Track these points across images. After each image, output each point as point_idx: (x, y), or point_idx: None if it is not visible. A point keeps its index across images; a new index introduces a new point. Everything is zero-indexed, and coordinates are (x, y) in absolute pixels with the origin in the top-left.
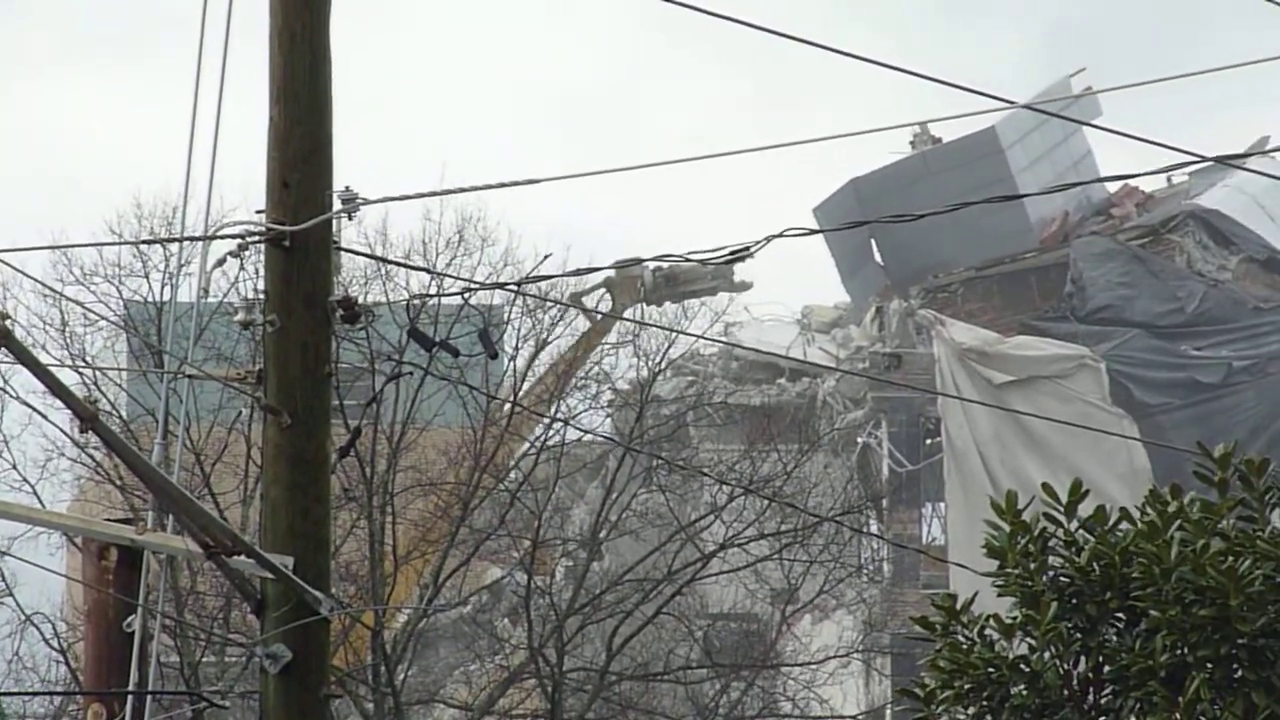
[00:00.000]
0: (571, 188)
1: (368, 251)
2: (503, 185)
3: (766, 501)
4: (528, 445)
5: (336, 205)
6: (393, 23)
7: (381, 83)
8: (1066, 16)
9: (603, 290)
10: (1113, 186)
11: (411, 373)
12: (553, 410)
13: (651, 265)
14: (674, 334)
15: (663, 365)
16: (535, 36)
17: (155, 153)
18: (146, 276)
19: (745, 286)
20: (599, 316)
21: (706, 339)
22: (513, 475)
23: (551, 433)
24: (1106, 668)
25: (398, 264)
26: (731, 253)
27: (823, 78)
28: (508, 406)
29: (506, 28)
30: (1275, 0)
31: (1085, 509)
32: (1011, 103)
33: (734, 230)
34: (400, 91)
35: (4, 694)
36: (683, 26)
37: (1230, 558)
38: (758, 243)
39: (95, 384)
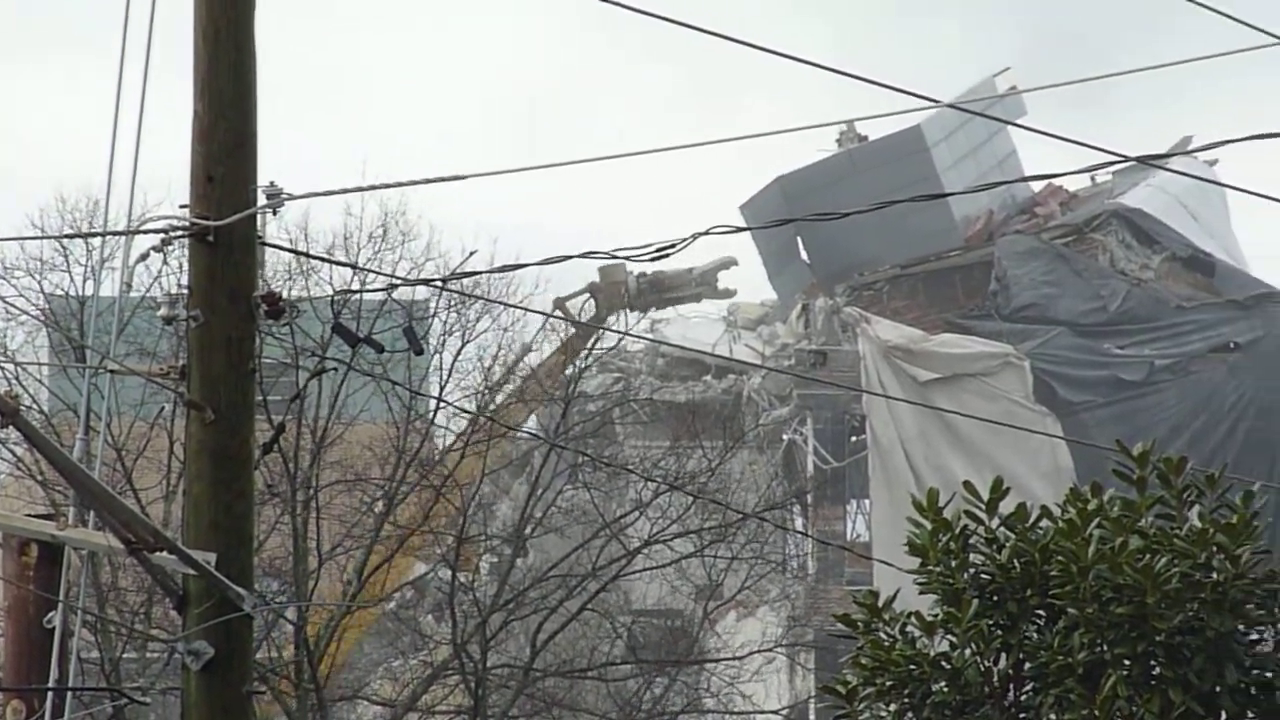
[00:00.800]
0: (501, 183)
1: (291, 246)
2: (427, 181)
3: (691, 498)
4: (453, 440)
5: (261, 200)
6: (318, 16)
7: (305, 76)
8: (1009, 14)
9: (586, 295)
10: (1037, 185)
11: (335, 368)
12: (477, 406)
13: (635, 271)
14: (600, 330)
15: (589, 362)
16: (466, 32)
17: (79, 147)
18: (69, 271)
19: (730, 294)
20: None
21: (633, 335)
22: (437, 470)
23: (477, 428)
24: (1026, 665)
25: (322, 259)
26: (658, 249)
27: (756, 74)
28: (433, 403)
29: (436, 22)
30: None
31: (1007, 506)
32: (936, 101)
33: (666, 226)
34: (325, 85)
35: None
36: (618, 23)
37: (1148, 556)
38: (684, 240)
39: (16, 379)
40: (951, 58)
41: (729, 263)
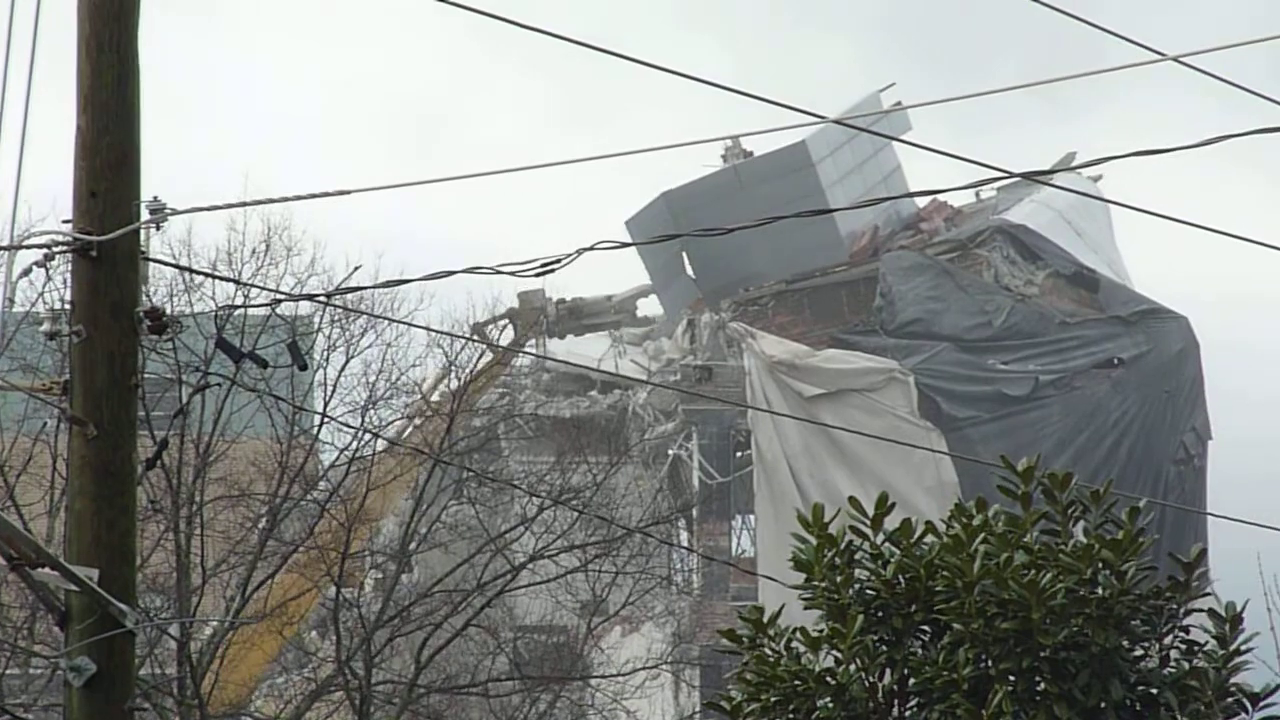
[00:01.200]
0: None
1: (175, 261)
2: (311, 196)
3: (576, 513)
4: (337, 455)
5: (144, 215)
6: (204, 29)
7: (188, 89)
8: (899, 29)
9: (505, 321)
10: (922, 201)
11: (219, 384)
12: (361, 421)
13: (555, 298)
14: (485, 346)
15: (474, 376)
16: (346, 44)
17: None
18: None
19: (648, 321)
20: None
21: (518, 350)
22: (321, 486)
23: (362, 444)
24: (911, 680)
25: (205, 274)
26: (543, 265)
27: (642, 89)
28: (317, 418)
29: (318, 34)
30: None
31: (892, 522)
32: (821, 117)
33: (552, 240)
34: (208, 98)
35: None
36: (499, 37)
37: (1033, 571)
38: (569, 255)
39: None
40: (842, 73)
41: (647, 291)
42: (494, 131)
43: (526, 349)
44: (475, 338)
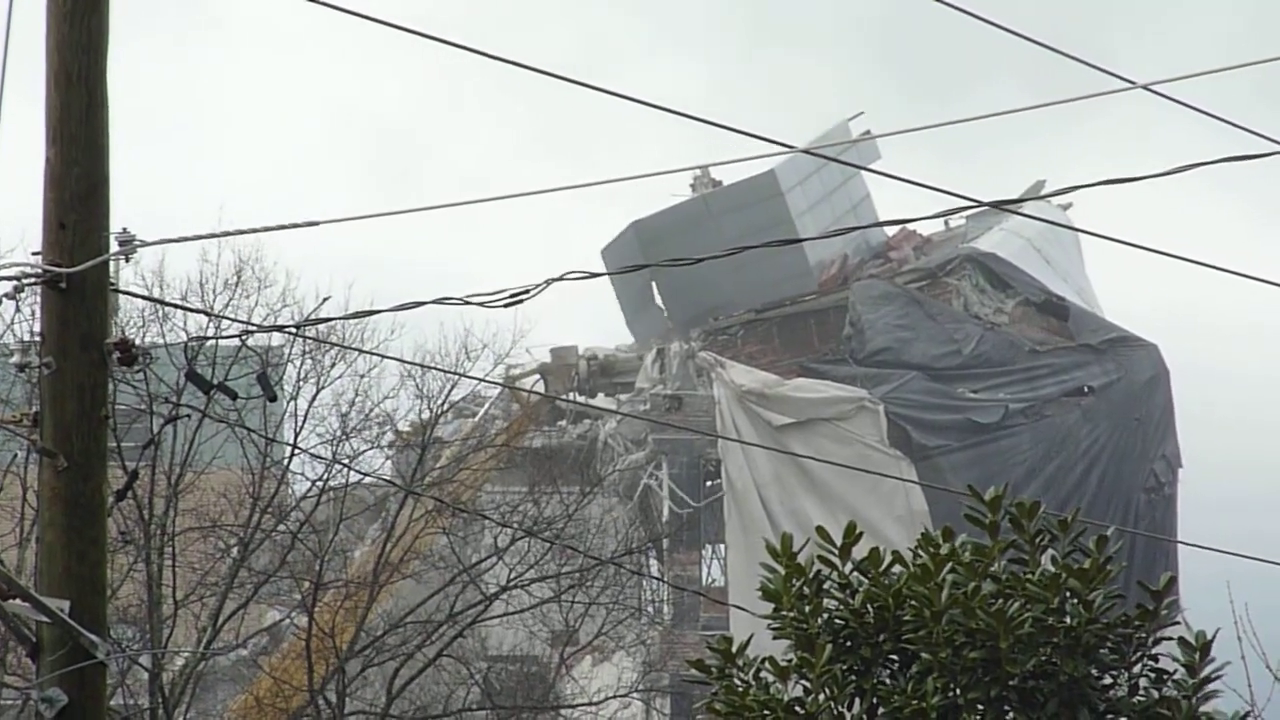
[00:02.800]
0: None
1: (145, 293)
2: (281, 228)
3: (548, 544)
4: (309, 486)
5: (114, 247)
6: (174, 58)
7: (160, 118)
8: (879, 51)
9: (537, 376)
10: (891, 230)
11: (189, 415)
12: (333, 452)
13: (586, 355)
14: (457, 376)
15: (445, 407)
16: (324, 72)
17: None
18: None
19: (660, 382)
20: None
21: (488, 381)
22: (293, 517)
23: (333, 474)
24: (880, 710)
25: (175, 305)
26: (512, 296)
27: (611, 116)
28: (288, 449)
29: (293, 63)
30: (1039, 43)
31: (861, 551)
32: (790, 147)
33: (521, 266)
34: (180, 127)
35: None
36: (478, 62)
37: (1000, 600)
38: (538, 286)
39: None
40: (820, 95)
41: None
42: (469, 157)
43: (495, 380)
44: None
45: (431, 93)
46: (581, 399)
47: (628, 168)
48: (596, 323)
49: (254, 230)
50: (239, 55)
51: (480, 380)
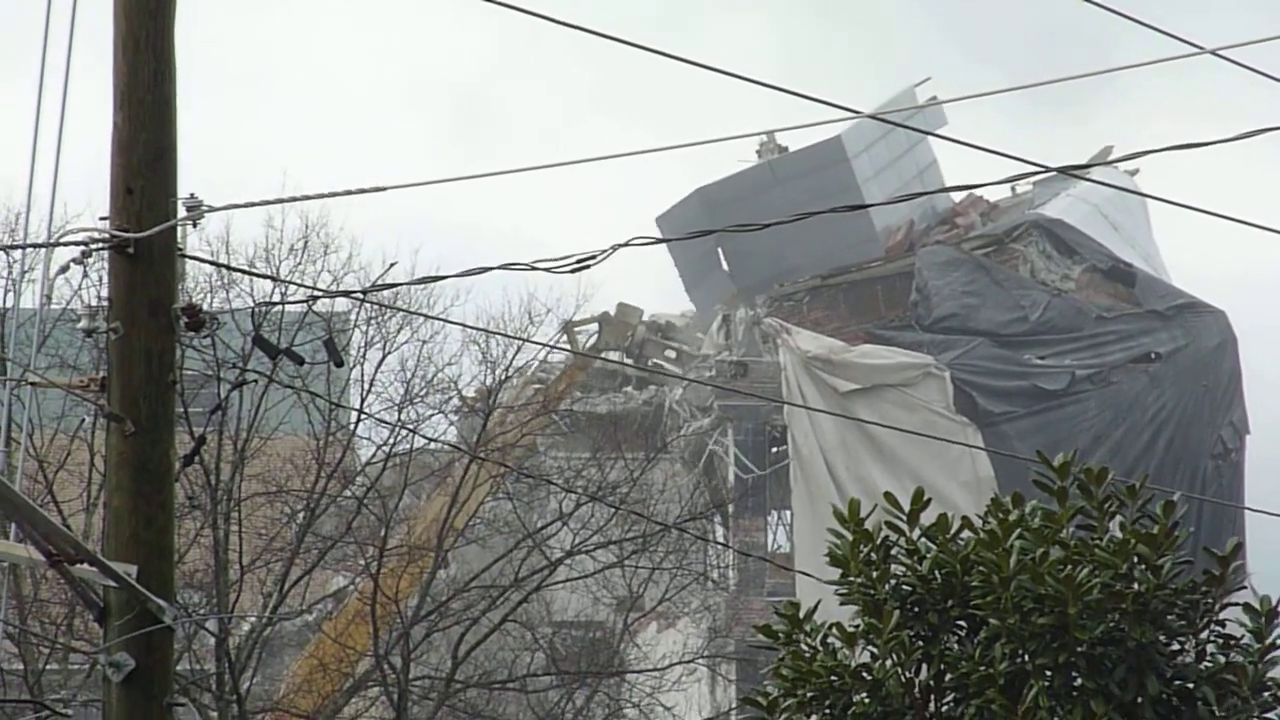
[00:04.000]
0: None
1: (212, 258)
2: (348, 193)
3: (613, 509)
4: (374, 451)
5: (181, 212)
6: (240, 22)
7: (229, 75)
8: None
9: (595, 326)
10: (957, 196)
11: (256, 380)
12: (398, 417)
13: (650, 321)
14: (521, 341)
15: (509, 372)
16: (394, 34)
17: None
18: None
19: (726, 348)
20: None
21: (554, 347)
22: (359, 482)
23: (398, 440)
24: (948, 676)
25: (242, 271)
26: (578, 261)
27: (680, 78)
28: (354, 415)
29: (364, 24)
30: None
31: (929, 517)
32: (857, 112)
33: (587, 228)
34: (249, 84)
35: None
36: (545, 25)
37: (1069, 566)
38: (604, 251)
39: None
40: (888, 62)
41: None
42: (541, 117)
43: (560, 345)
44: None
45: (503, 54)
46: (632, 361)
47: (697, 130)
48: (661, 287)
49: (321, 196)
50: (312, 17)
51: (544, 345)
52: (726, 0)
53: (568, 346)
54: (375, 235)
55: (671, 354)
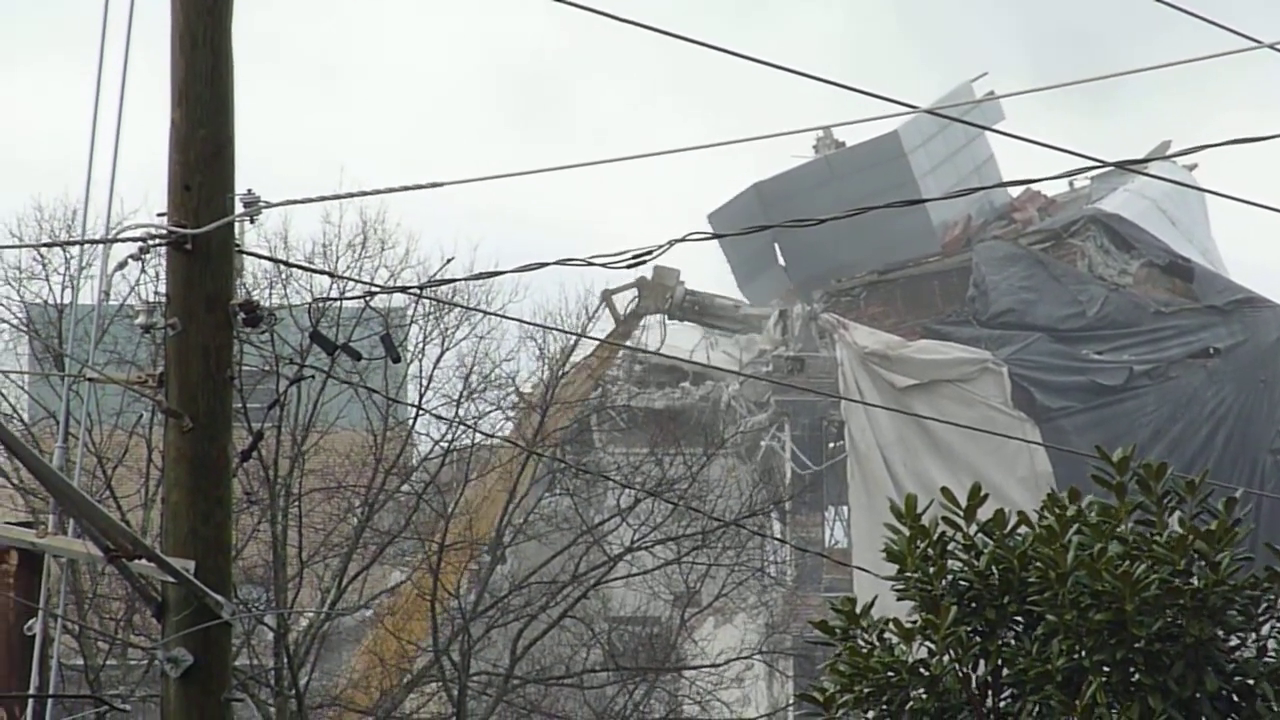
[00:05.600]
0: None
1: (270, 254)
2: (405, 189)
3: (671, 505)
4: (431, 447)
5: (238, 208)
6: (299, 13)
7: (284, 64)
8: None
9: (634, 290)
10: (1015, 191)
11: (314, 376)
12: (456, 413)
13: (686, 285)
14: (577, 337)
15: (566, 368)
16: (458, 23)
17: (56, 153)
18: (47, 279)
19: (783, 343)
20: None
21: (610, 342)
22: (417, 477)
23: (456, 436)
24: (1005, 671)
25: (299, 267)
26: (635, 257)
27: (746, 68)
28: (411, 410)
29: (416, 12)
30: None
31: (986, 512)
32: (914, 107)
33: (645, 218)
34: (305, 73)
35: None
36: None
37: (1127, 562)
38: (660, 246)
39: None
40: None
41: (771, 313)
42: (602, 103)
43: (622, 344)
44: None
45: (569, 41)
46: (673, 324)
47: (760, 117)
48: (718, 282)
49: (378, 192)
50: (373, 7)
51: (601, 341)
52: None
53: (627, 343)
54: (433, 226)
55: (748, 358)
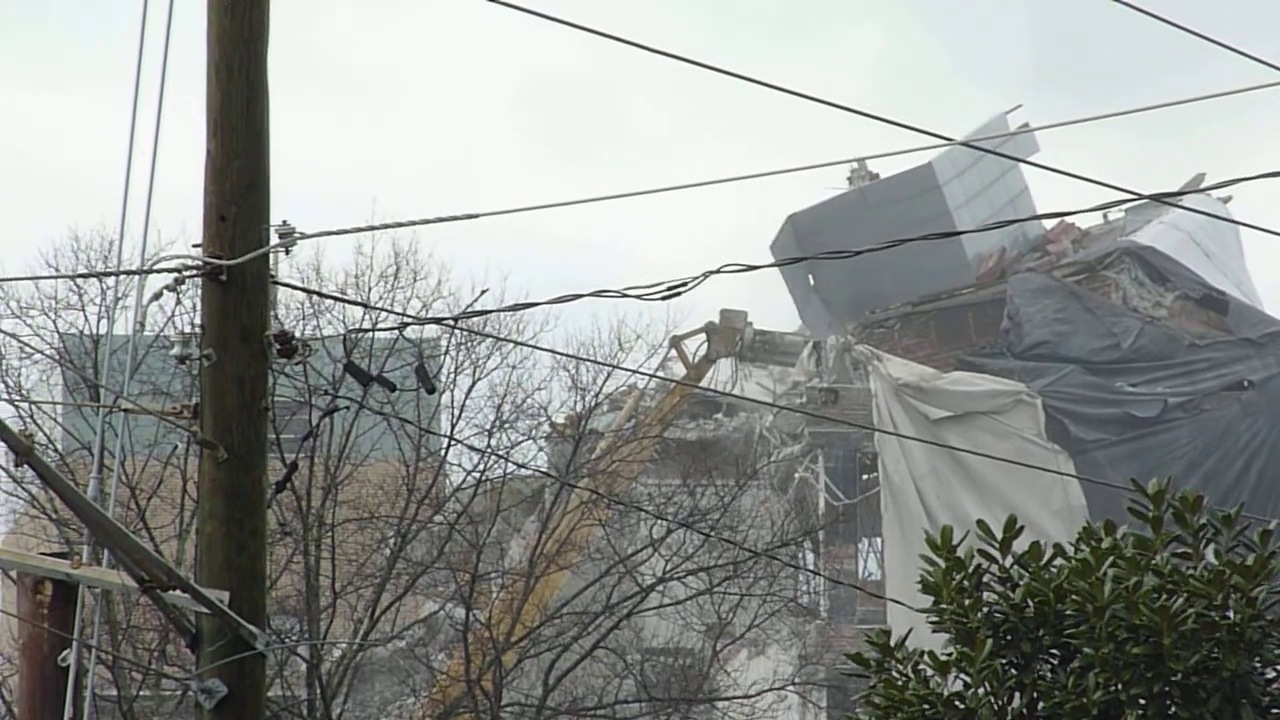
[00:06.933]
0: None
1: (304, 286)
2: (439, 220)
3: (704, 536)
4: (465, 477)
5: (274, 239)
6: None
7: (317, 84)
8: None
9: (703, 336)
10: (1049, 223)
11: (348, 407)
12: (488, 443)
13: (754, 325)
14: (610, 368)
15: (598, 399)
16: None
17: (93, 181)
18: (83, 310)
19: (816, 375)
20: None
21: (643, 373)
22: (449, 508)
23: (489, 466)
24: (1041, 705)
25: (334, 298)
26: (669, 288)
27: (768, 102)
28: (444, 440)
29: (453, 32)
30: (1213, 41)
31: (1021, 545)
32: (949, 139)
33: (679, 244)
34: (334, 107)
35: None
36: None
37: (1163, 595)
38: (695, 279)
39: (31, 417)
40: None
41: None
42: (640, 127)
43: (649, 371)
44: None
45: (601, 66)
46: (743, 365)
47: (798, 139)
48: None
49: (412, 223)
50: (405, 27)
51: (633, 372)
52: (848, 4)
53: (654, 370)
54: (466, 249)
55: (781, 389)
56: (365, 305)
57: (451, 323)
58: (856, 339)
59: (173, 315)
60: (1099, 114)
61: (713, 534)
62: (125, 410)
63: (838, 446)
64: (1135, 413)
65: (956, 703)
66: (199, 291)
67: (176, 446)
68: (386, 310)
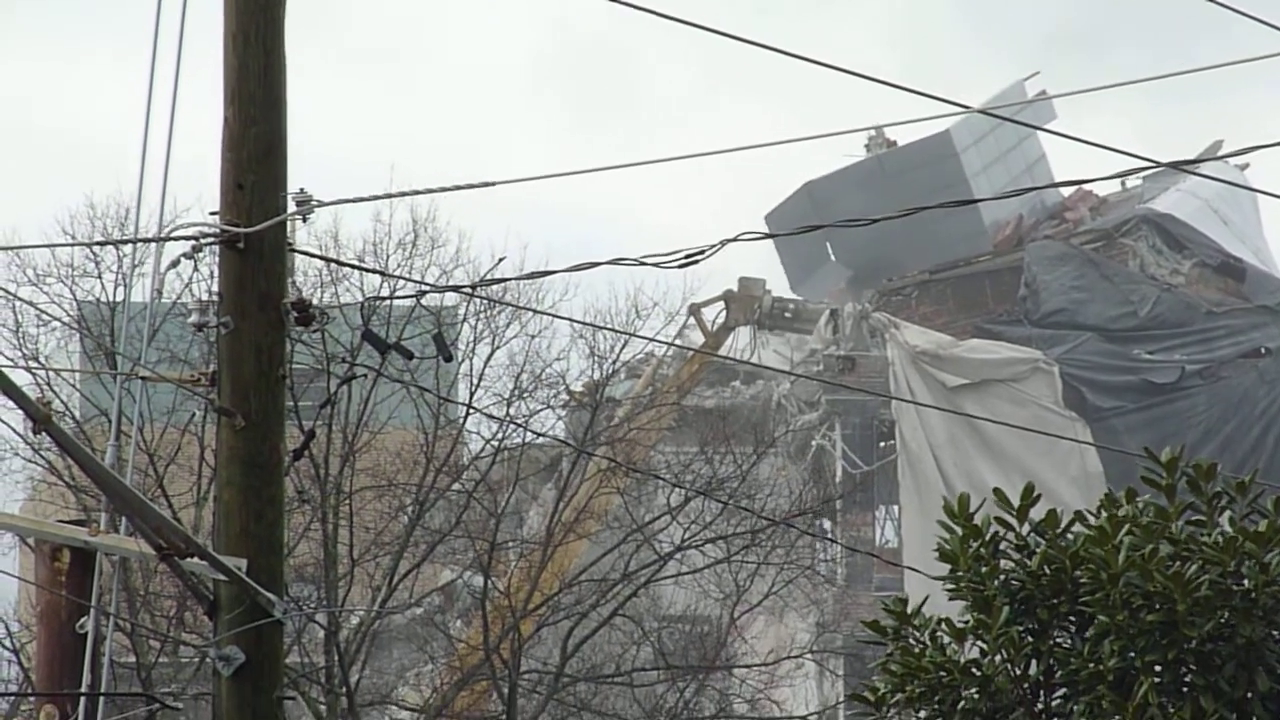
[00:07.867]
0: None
1: (321, 253)
2: (456, 188)
3: (721, 504)
4: (483, 445)
5: (291, 207)
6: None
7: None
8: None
9: (721, 304)
10: (1066, 190)
11: (365, 375)
12: (507, 412)
13: (773, 293)
14: (628, 336)
15: (616, 366)
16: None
17: (110, 147)
18: (100, 277)
19: (834, 343)
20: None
21: (660, 341)
22: (467, 476)
23: (507, 434)
24: (1057, 672)
25: (351, 266)
26: (687, 256)
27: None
28: (462, 409)
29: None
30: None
31: (1037, 512)
32: (966, 107)
33: (697, 212)
34: (354, 73)
35: None
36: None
37: (1178, 563)
38: (712, 246)
39: (48, 385)
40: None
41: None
42: (659, 92)
43: (666, 339)
44: (691, 318)
45: (621, 33)
46: (761, 333)
47: (816, 105)
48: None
49: (429, 191)
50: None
51: (650, 339)
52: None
53: (673, 339)
54: (485, 216)
55: (798, 356)
56: (383, 273)
57: (470, 291)
58: (874, 306)
59: (190, 282)
60: (1116, 82)
61: (730, 502)
62: (143, 377)
63: (855, 414)
64: (1152, 380)
65: (973, 670)
66: (216, 259)
67: (194, 414)
68: (405, 278)
